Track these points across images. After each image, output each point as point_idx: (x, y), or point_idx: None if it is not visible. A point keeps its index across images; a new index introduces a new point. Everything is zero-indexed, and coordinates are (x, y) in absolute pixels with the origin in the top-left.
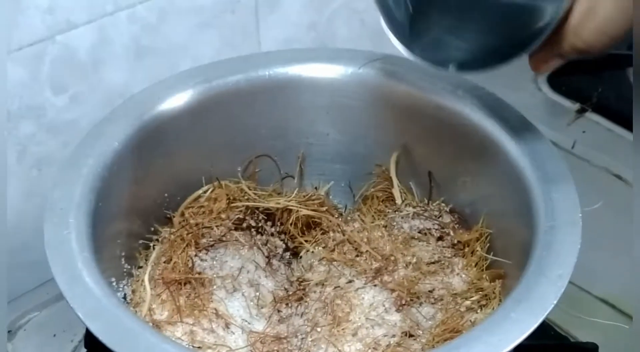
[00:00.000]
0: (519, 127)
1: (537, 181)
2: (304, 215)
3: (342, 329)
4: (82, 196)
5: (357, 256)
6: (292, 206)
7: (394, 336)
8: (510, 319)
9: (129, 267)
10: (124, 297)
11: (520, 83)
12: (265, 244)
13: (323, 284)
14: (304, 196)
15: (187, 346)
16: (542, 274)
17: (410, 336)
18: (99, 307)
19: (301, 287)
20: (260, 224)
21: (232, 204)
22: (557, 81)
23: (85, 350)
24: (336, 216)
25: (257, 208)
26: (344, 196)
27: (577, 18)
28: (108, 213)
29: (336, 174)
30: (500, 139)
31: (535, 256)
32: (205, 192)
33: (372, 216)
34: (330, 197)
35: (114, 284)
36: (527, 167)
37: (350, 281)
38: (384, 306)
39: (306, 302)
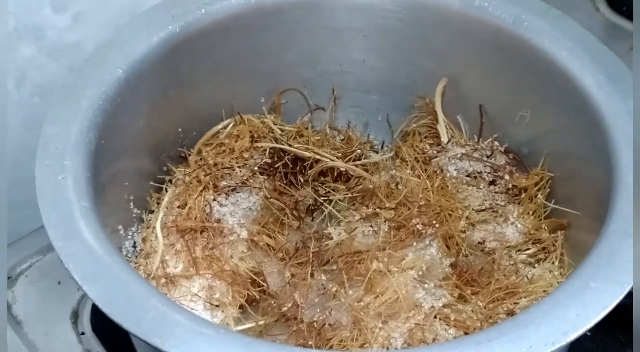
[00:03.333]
0: (595, 54)
1: (615, 116)
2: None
3: (375, 294)
4: (81, 133)
5: (397, 205)
6: (324, 157)
7: (439, 298)
8: (590, 289)
9: (139, 211)
10: (134, 246)
11: (575, 2)
12: (293, 194)
13: (352, 237)
14: (341, 142)
15: (204, 303)
16: (627, 234)
17: (460, 297)
18: (100, 269)
19: (325, 242)
20: (288, 170)
21: (256, 143)
22: (617, 0)
23: None
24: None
25: (284, 151)
26: (381, 131)
27: None
28: (112, 152)
29: (373, 107)
30: (570, 68)
31: (616, 209)
32: (225, 127)
33: (415, 156)
34: (367, 132)
35: (122, 231)
36: (603, 99)
37: (386, 234)
38: (425, 262)
39: (331, 257)
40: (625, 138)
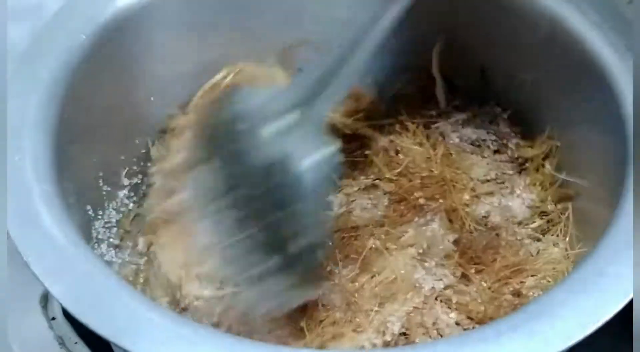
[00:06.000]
0: (601, 9)
1: (628, 78)
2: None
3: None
4: (40, 107)
5: (397, 176)
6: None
7: (440, 278)
8: (608, 275)
9: (109, 189)
10: (104, 226)
11: None
12: None
13: (350, 211)
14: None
15: None
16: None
17: (463, 276)
18: (63, 261)
19: None
20: None
21: None
22: None
23: None
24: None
25: None
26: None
27: None
28: (76, 127)
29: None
30: (575, 26)
31: (630, 181)
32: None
33: (413, 122)
34: None
35: (91, 212)
36: (613, 60)
37: (386, 208)
38: (426, 239)
39: None
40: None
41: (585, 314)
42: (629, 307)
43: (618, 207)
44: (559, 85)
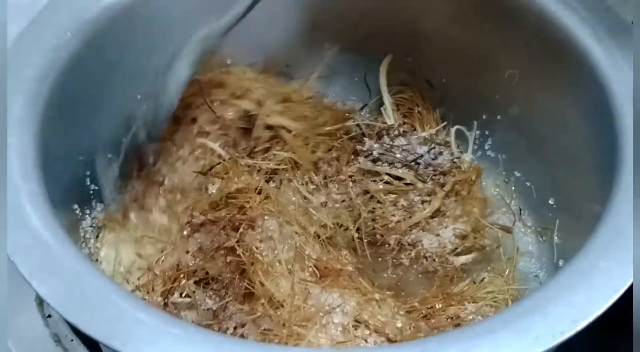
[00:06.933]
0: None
1: (617, 74)
2: None
3: None
4: (26, 106)
5: None
6: None
7: None
8: (599, 270)
9: (97, 188)
10: (92, 225)
11: None
12: None
13: None
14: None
15: None
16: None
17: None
18: (51, 261)
19: None
20: None
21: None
22: None
23: None
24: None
25: None
26: (361, 93)
27: None
28: (63, 125)
29: (347, 67)
30: (565, 21)
31: (623, 178)
32: None
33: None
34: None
35: (77, 211)
36: (602, 57)
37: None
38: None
39: None
40: (629, 98)
41: (577, 309)
42: (621, 303)
43: (608, 203)
44: (548, 81)
